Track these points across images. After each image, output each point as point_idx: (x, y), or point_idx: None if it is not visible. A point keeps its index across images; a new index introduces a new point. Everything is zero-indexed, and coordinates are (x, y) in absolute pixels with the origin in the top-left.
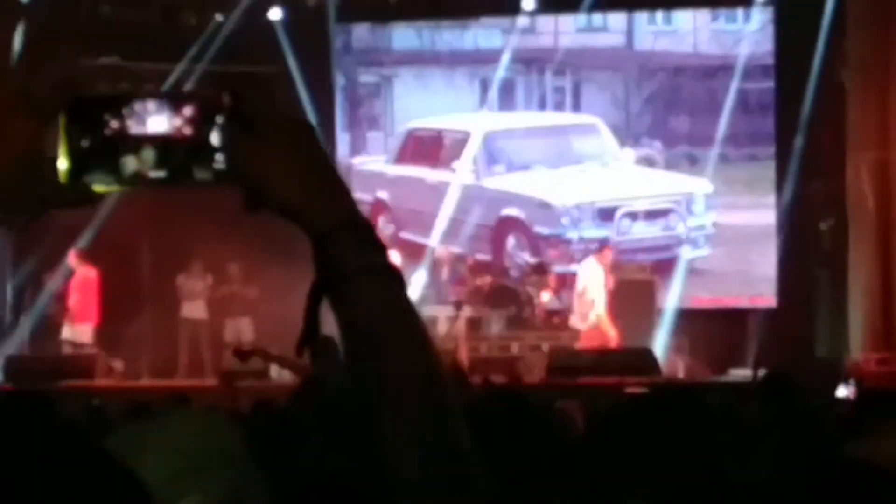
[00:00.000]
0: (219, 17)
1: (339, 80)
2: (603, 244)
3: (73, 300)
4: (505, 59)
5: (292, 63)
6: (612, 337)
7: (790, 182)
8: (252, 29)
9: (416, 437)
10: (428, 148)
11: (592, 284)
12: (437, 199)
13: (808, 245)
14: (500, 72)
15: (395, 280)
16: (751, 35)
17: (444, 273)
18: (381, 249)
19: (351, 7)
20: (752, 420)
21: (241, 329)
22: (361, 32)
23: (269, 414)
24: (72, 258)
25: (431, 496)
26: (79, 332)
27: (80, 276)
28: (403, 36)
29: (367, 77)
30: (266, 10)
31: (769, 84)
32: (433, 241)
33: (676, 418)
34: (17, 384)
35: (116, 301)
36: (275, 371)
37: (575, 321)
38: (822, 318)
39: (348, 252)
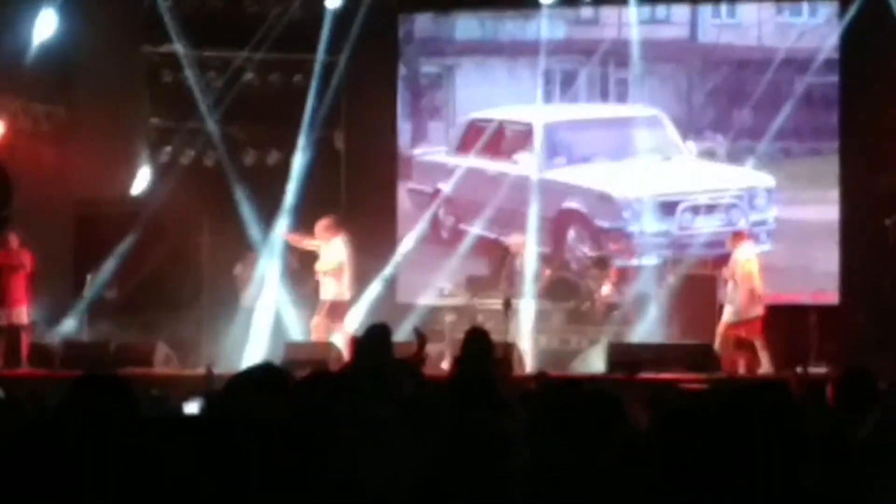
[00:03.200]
0: (280, 5)
1: (401, 70)
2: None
3: (12, 282)
4: (567, 50)
5: (353, 52)
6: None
7: (854, 177)
8: (314, 17)
9: None
10: (489, 139)
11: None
12: (497, 191)
13: (871, 241)
14: (563, 63)
15: None
16: (816, 28)
17: (519, 264)
18: None
19: None
20: (827, 419)
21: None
22: (424, 22)
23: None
24: (14, 242)
25: None
26: (17, 313)
27: (21, 258)
28: (466, 26)
29: (429, 67)
30: None
31: (834, 78)
32: (493, 232)
33: (741, 416)
34: (74, 370)
35: (175, 289)
36: None
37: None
38: (886, 315)
39: None
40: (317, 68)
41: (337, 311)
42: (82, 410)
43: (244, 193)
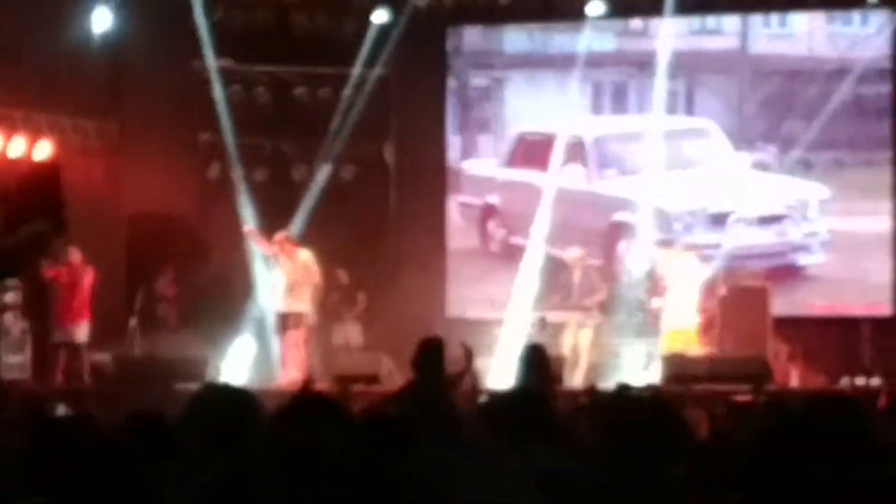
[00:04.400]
0: (329, 19)
1: (450, 83)
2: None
3: (72, 299)
4: (616, 61)
5: (402, 65)
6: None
7: None
8: (363, 31)
9: None
10: (538, 152)
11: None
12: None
13: None
14: (612, 75)
15: None
16: (867, 38)
17: (576, 277)
18: None
19: (462, 9)
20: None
21: (350, 334)
22: (473, 35)
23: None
24: (76, 258)
25: None
26: (75, 330)
27: (85, 275)
28: (515, 38)
29: (478, 80)
30: (375, 12)
31: (886, 88)
32: (544, 245)
33: (797, 430)
34: (128, 385)
35: (227, 305)
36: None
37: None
38: None
39: None
40: (353, 81)
41: (303, 322)
42: (207, 422)
43: (290, 209)
